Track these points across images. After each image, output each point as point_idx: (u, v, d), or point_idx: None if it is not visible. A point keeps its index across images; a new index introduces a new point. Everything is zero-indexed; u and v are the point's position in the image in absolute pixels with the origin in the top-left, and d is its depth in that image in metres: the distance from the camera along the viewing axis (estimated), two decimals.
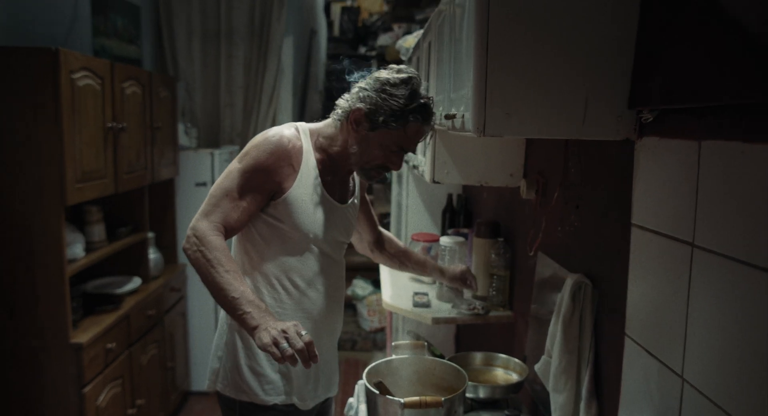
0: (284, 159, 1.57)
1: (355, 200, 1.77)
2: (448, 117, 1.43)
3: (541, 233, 1.86)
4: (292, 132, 1.61)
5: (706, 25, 0.95)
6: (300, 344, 1.35)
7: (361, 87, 1.59)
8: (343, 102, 1.62)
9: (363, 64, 1.75)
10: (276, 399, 1.64)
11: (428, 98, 1.57)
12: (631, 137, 1.21)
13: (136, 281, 3.06)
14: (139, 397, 2.98)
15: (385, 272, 2.91)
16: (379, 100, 1.53)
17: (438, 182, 2.13)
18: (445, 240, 2.39)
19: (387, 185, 5.13)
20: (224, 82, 4.18)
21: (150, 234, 3.28)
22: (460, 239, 2.40)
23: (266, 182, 1.55)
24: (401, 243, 2.07)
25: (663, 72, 1.07)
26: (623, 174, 1.28)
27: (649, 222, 1.17)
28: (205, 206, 1.54)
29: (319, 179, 1.63)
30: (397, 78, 1.54)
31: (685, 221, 1.03)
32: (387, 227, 4.97)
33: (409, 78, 1.54)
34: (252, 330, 1.42)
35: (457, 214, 3.06)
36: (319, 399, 1.76)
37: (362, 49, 7.32)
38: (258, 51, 4.18)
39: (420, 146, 2.47)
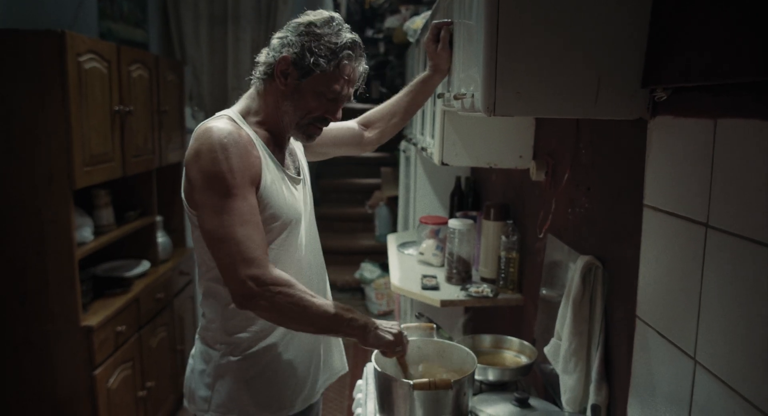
0: (250, 152, 1.40)
1: (305, 171, 1.67)
2: (457, 97, 1.41)
3: (551, 215, 1.84)
4: (234, 125, 1.42)
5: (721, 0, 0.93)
6: (407, 341, 1.53)
7: (280, 37, 1.46)
8: (264, 57, 1.48)
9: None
10: (287, 411, 1.57)
11: (355, 35, 1.48)
12: (644, 117, 1.19)
13: (145, 265, 3.07)
14: (149, 379, 3.00)
15: (394, 256, 2.91)
16: (305, 43, 1.41)
17: (447, 165, 2.11)
18: (453, 223, 2.38)
19: (395, 167, 5.11)
20: (231, 65, 4.16)
21: (158, 218, 3.29)
22: (469, 221, 2.39)
23: (251, 184, 1.39)
24: (380, 108, 1.85)
25: (678, 49, 1.05)
26: (635, 154, 1.26)
27: (661, 203, 1.15)
28: (235, 251, 1.31)
29: (276, 160, 1.50)
30: (321, 18, 1.44)
31: (700, 202, 1.01)
32: (395, 209, 4.96)
33: (332, 17, 1.45)
34: (362, 329, 1.43)
35: (466, 196, 3.05)
36: (331, 381, 1.72)
37: (369, 32, 7.27)
38: (265, 34, 4.14)
39: (428, 128, 2.45)
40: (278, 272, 1.35)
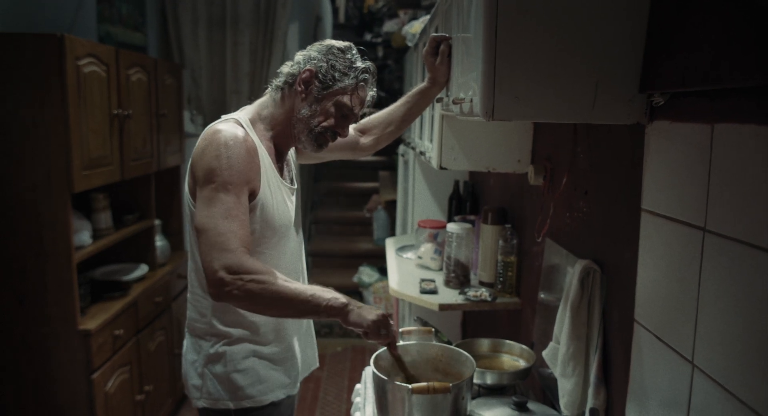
0: (252, 159, 1.47)
1: (295, 179, 1.72)
2: (456, 101, 1.42)
3: (549, 219, 1.85)
4: (242, 130, 1.49)
5: (719, 4, 0.93)
6: (395, 329, 1.48)
7: (304, 54, 1.59)
8: (287, 68, 1.59)
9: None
10: (272, 396, 1.62)
11: (371, 63, 1.61)
12: (641, 121, 1.20)
13: (143, 268, 3.07)
14: (147, 383, 3.00)
15: (392, 259, 2.91)
16: (330, 60, 1.55)
17: (445, 169, 2.12)
18: (452, 227, 2.38)
19: (393, 171, 5.12)
20: (230, 69, 4.16)
21: (157, 221, 3.29)
22: (467, 225, 2.39)
23: (247, 186, 1.44)
24: (377, 116, 1.90)
25: (675, 54, 1.05)
26: (633, 159, 1.27)
27: (659, 207, 1.16)
28: (214, 241, 1.35)
29: (275, 169, 1.57)
30: (343, 45, 1.58)
31: (697, 206, 1.02)
32: (393, 213, 4.96)
33: (350, 45, 1.60)
34: (343, 308, 1.41)
35: (464, 201, 3.05)
36: (303, 376, 1.78)
37: (368, 36, 7.28)
38: (263, 38, 4.16)
39: (426, 132, 2.46)
40: (253, 262, 1.36)
